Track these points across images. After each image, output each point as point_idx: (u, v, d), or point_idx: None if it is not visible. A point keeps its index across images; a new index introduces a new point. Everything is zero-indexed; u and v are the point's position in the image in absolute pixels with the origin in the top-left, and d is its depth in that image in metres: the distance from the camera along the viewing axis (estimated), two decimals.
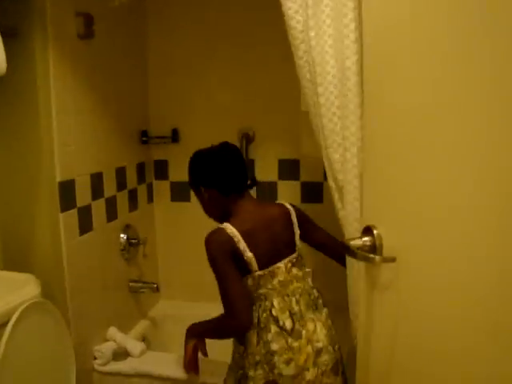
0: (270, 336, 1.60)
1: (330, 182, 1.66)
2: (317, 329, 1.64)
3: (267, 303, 1.63)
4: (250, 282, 1.64)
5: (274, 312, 1.62)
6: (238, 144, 2.66)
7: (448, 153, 1.00)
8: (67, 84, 1.96)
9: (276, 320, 1.61)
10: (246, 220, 1.67)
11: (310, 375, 1.59)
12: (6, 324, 1.41)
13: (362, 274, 1.35)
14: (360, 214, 1.52)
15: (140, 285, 2.61)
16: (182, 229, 2.89)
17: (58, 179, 1.90)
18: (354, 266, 1.59)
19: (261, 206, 1.78)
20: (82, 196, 2.08)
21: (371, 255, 1.19)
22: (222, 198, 1.74)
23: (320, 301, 1.72)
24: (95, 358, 2.18)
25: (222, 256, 1.59)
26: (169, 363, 2.15)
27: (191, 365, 1.87)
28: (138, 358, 2.19)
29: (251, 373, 1.63)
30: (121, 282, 2.52)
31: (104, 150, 2.28)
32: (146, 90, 2.76)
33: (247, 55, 2.62)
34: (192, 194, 2.75)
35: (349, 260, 1.64)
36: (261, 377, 1.61)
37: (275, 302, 1.63)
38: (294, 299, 1.65)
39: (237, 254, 1.60)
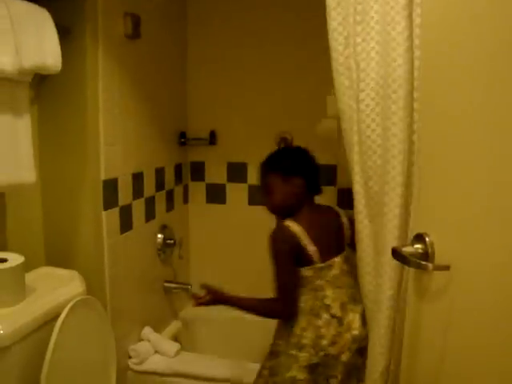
0: (320, 322, 1.76)
1: (357, 187, 1.66)
2: (355, 319, 1.78)
3: (322, 293, 1.78)
4: (310, 272, 1.78)
5: (326, 301, 1.77)
6: (275, 148, 2.67)
7: (508, 160, 0.98)
8: (114, 84, 1.99)
9: (327, 308, 1.77)
10: (309, 217, 1.82)
11: (344, 357, 1.76)
12: (54, 319, 1.43)
13: (410, 282, 1.34)
14: (401, 221, 1.54)
15: (174, 285, 2.63)
16: (215, 231, 2.91)
17: (103, 177, 1.93)
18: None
19: (319, 207, 1.93)
20: (124, 195, 2.11)
21: (424, 262, 1.17)
22: (302, 191, 1.86)
23: (358, 296, 1.83)
24: (130, 357, 2.20)
25: (284, 252, 1.77)
26: (203, 363, 2.20)
27: (199, 302, 2.01)
28: (173, 357, 2.20)
29: (293, 352, 1.77)
30: (156, 282, 2.54)
31: (145, 150, 2.31)
32: (185, 92, 2.78)
33: (286, 60, 2.64)
34: (228, 195, 2.82)
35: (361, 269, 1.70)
36: (305, 359, 1.76)
37: (329, 292, 1.78)
38: (344, 291, 1.80)
39: (300, 248, 1.75)
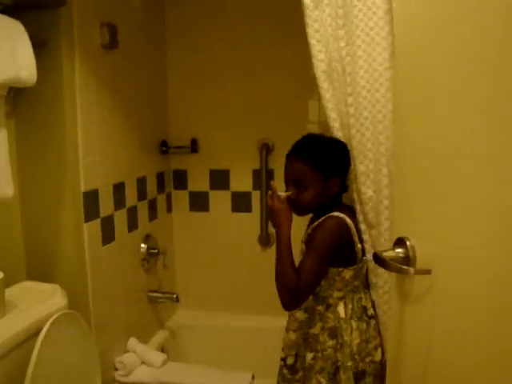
0: (364, 325, 1.68)
1: (354, 195, 1.67)
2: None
3: (358, 295, 1.70)
4: (352, 273, 1.67)
5: (363, 302, 1.70)
6: (257, 154, 2.68)
7: (488, 161, 0.98)
8: (92, 95, 1.97)
9: (365, 310, 1.70)
10: (349, 214, 1.67)
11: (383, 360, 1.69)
12: (36, 334, 1.41)
13: (393, 286, 1.34)
14: (391, 224, 1.53)
15: (159, 295, 2.61)
16: (199, 239, 2.90)
17: (83, 189, 1.91)
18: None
19: (347, 205, 1.76)
20: (105, 206, 2.09)
21: (405, 267, 1.17)
22: (336, 190, 1.70)
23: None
24: (116, 369, 2.18)
25: (334, 246, 1.61)
26: (190, 372, 2.18)
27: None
28: (160, 368, 2.18)
29: (349, 363, 1.66)
30: (141, 292, 2.52)
31: (125, 160, 2.29)
32: (166, 101, 2.77)
33: (267, 66, 2.64)
34: (211, 203, 2.82)
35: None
36: (350, 367, 1.66)
37: (362, 294, 1.71)
38: (368, 291, 1.73)
39: (348, 244, 1.65)
